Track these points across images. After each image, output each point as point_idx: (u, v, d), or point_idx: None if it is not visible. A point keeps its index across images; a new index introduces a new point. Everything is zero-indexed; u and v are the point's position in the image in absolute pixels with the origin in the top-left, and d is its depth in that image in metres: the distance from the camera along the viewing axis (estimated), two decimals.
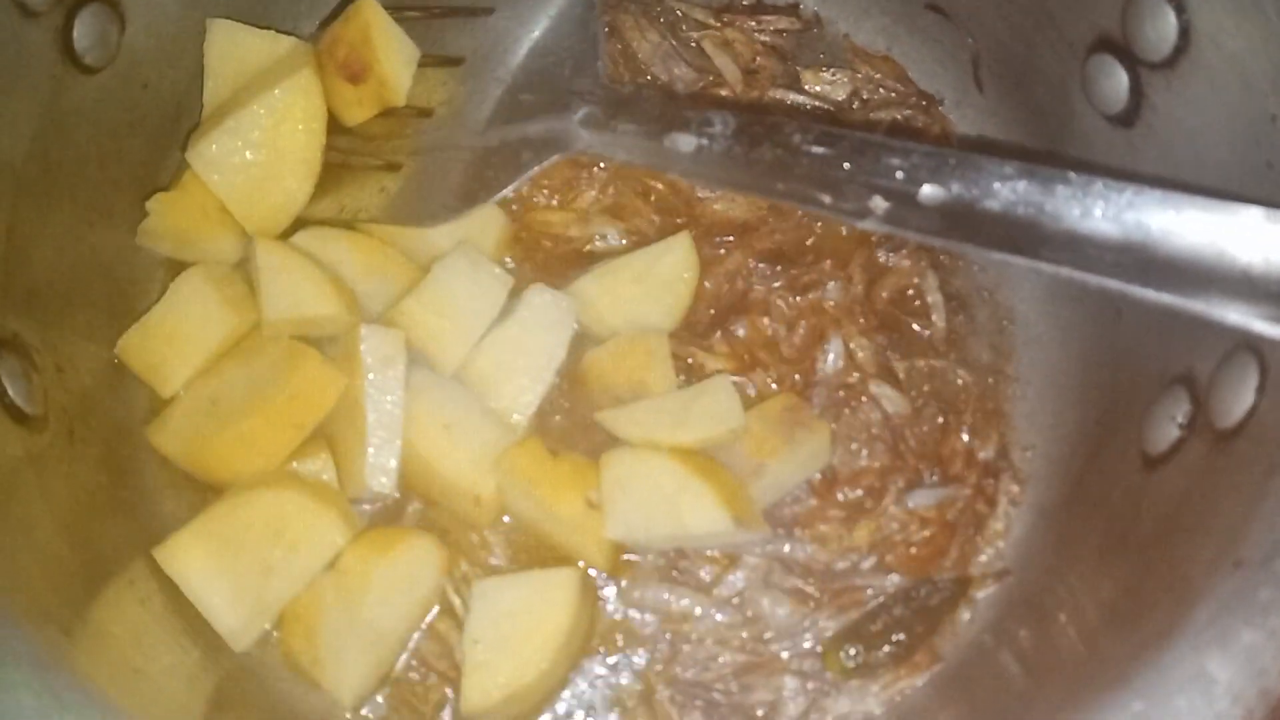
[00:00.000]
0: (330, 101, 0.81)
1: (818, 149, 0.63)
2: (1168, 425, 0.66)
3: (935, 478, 0.80)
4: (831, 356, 0.82)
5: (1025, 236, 0.55)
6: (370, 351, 0.74)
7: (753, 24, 0.91)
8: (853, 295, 0.84)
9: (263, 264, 0.77)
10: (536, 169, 0.75)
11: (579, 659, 0.75)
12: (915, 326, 0.84)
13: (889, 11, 0.91)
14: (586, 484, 0.75)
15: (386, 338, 0.75)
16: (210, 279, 0.78)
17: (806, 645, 0.75)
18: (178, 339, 0.77)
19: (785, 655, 0.75)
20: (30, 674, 0.50)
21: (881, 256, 0.85)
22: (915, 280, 0.85)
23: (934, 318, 0.84)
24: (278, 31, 0.82)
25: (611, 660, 0.76)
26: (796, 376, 0.81)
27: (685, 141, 0.67)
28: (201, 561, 0.70)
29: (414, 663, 0.75)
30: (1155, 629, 0.53)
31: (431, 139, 0.81)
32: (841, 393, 0.81)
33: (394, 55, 0.82)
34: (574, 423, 0.79)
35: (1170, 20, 0.65)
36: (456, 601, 0.75)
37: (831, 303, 0.83)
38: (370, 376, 0.74)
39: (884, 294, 0.84)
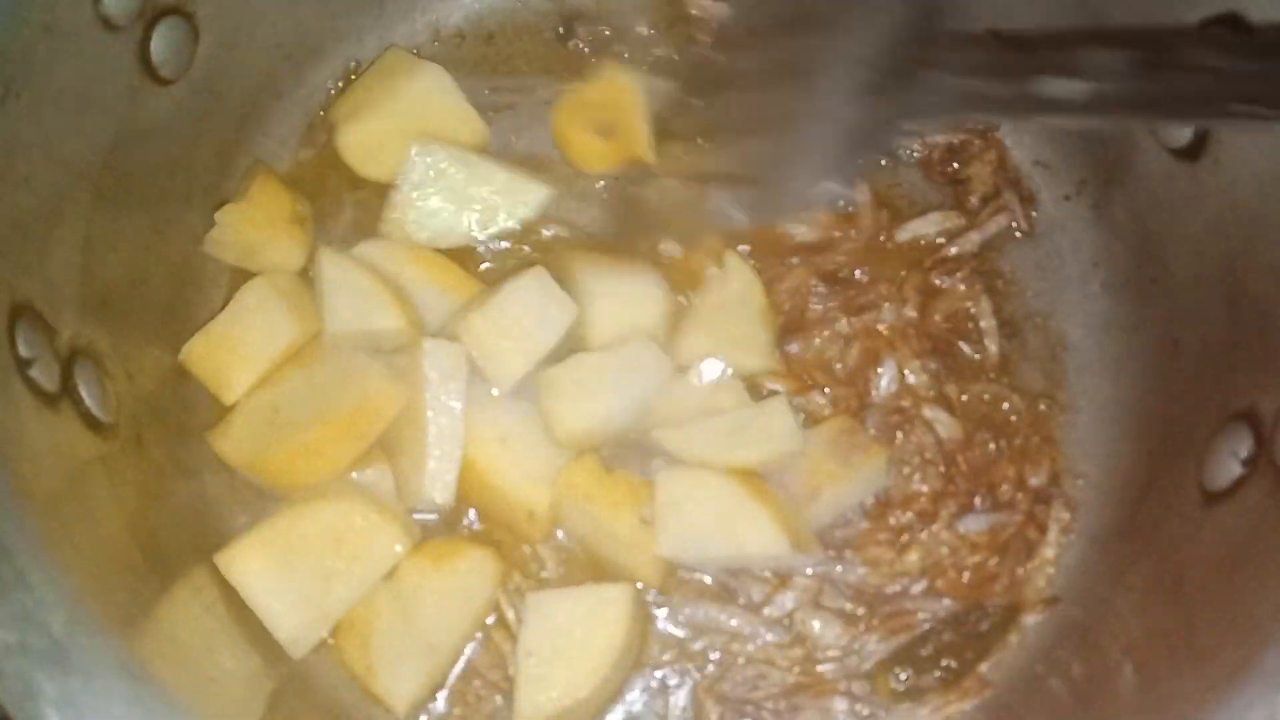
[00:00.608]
0: (571, 153, 0.86)
1: (1229, 60, 0.58)
2: (1229, 461, 0.66)
3: (986, 503, 0.80)
4: (885, 379, 0.82)
5: None
6: (432, 366, 0.75)
7: None
8: (906, 319, 0.84)
9: (326, 276, 0.78)
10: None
11: (630, 674, 0.76)
12: (968, 351, 0.84)
13: None
14: (640, 502, 0.76)
15: (448, 352, 0.76)
16: (275, 287, 0.79)
17: (856, 667, 0.76)
18: (241, 346, 0.78)
19: (834, 676, 0.76)
20: (121, 682, 0.51)
21: (936, 280, 0.85)
22: (969, 305, 0.85)
23: (987, 343, 0.84)
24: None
25: (662, 676, 0.76)
26: (851, 399, 0.82)
27: (1068, 85, 0.60)
28: (262, 568, 0.71)
29: (468, 673, 0.76)
30: (1223, 670, 0.54)
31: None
32: (895, 416, 0.81)
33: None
34: (630, 440, 0.79)
35: None
36: (510, 614, 0.76)
37: (885, 325, 0.84)
38: (431, 390, 0.75)
39: (937, 317, 0.85)
